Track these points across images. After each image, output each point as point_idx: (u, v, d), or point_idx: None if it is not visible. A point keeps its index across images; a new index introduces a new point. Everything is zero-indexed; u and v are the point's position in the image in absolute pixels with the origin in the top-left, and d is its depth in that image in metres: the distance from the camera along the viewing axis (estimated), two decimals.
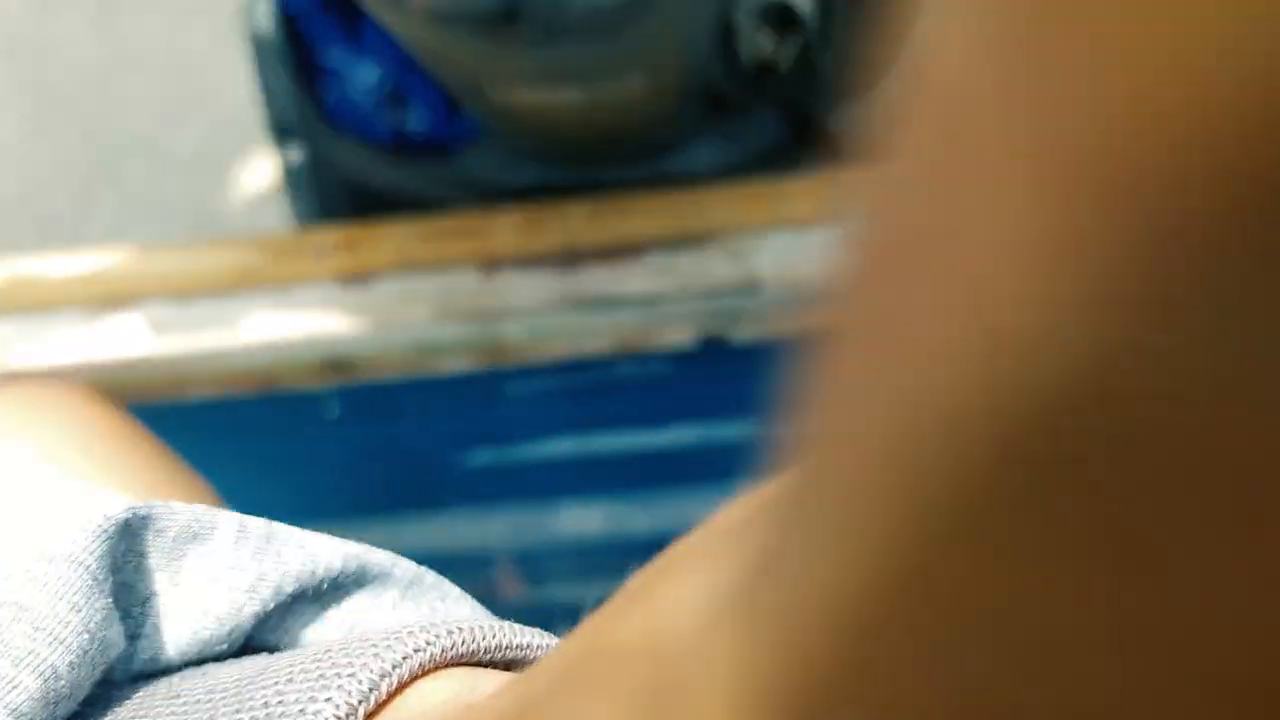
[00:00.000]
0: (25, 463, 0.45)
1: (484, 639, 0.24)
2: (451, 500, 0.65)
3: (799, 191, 0.55)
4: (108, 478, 0.47)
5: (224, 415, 0.59)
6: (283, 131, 0.68)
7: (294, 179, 0.68)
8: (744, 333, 0.55)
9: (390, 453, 0.65)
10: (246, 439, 0.62)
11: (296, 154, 0.68)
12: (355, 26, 0.69)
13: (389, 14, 0.36)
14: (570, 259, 0.54)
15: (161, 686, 0.28)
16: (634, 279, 0.53)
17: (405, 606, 0.30)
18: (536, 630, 0.25)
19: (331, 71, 0.69)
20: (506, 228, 0.56)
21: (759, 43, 0.56)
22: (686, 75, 0.48)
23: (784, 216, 0.54)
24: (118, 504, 0.29)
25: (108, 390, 0.55)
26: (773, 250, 0.53)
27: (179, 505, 0.30)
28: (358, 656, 0.23)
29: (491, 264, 0.55)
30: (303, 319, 0.54)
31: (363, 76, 0.67)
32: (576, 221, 0.56)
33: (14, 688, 0.25)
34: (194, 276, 0.56)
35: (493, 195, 0.62)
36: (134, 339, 0.54)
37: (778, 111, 0.61)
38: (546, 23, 0.34)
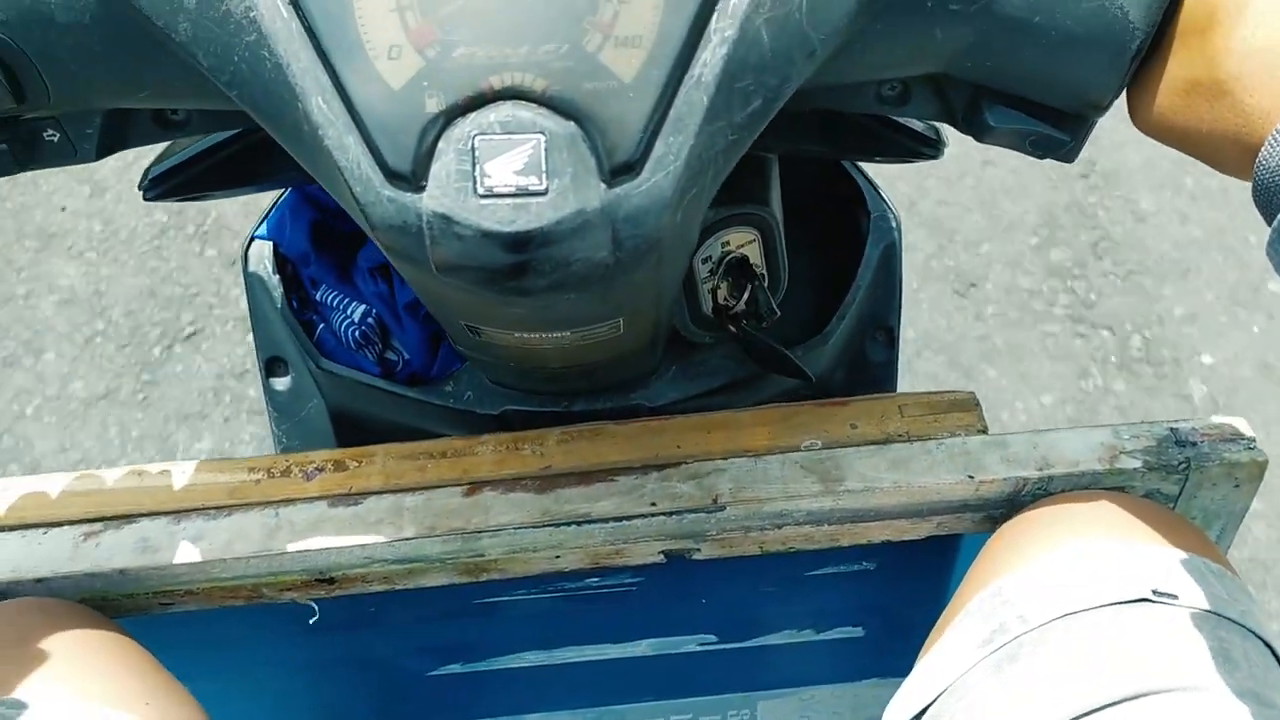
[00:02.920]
0: (17, 681, 0.47)
1: None
2: (422, 711, 0.67)
3: (754, 422, 0.61)
4: (100, 691, 0.49)
5: (209, 626, 0.61)
6: (273, 361, 0.73)
7: (283, 406, 0.73)
8: (706, 551, 0.59)
9: (365, 663, 0.67)
10: (230, 648, 0.64)
11: (286, 383, 0.73)
12: (345, 267, 0.76)
13: (403, 263, 0.42)
14: (546, 481, 0.59)
15: None
16: (605, 500, 0.58)
17: None
18: None
19: (322, 307, 0.75)
20: (487, 452, 0.61)
21: (717, 290, 0.63)
22: (659, 319, 0.54)
23: (741, 445, 0.60)
24: None
25: (102, 603, 0.57)
26: (732, 475, 0.58)
27: None
28: None
29: (474, 485, 0.59)
30: (291, 535, 0.57)
31: (351, 312, 0.73)
32: (552, 447, 0.61)
33: None
34: (187, 495, 0.60)
35: (472, 423, 0.68)
36: (128, 554, 0.57)
37: (732, 349, 0.68)
38: (550, 277, 0.40)
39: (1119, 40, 0.41)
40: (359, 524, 0.58)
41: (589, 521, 0.57)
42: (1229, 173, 0.41)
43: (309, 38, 0.39)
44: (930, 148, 0.59)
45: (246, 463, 0.61)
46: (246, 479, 0.60)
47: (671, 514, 0.57)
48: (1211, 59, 0.39)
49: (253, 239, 0.75)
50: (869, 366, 0.77)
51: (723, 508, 0.57)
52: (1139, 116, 0.44)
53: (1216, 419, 0.59)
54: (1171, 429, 0.58)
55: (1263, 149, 0.38)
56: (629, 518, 0.57)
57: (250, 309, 0.74)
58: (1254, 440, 0.58)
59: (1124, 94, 0.44)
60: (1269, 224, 0.38)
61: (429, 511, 0.58)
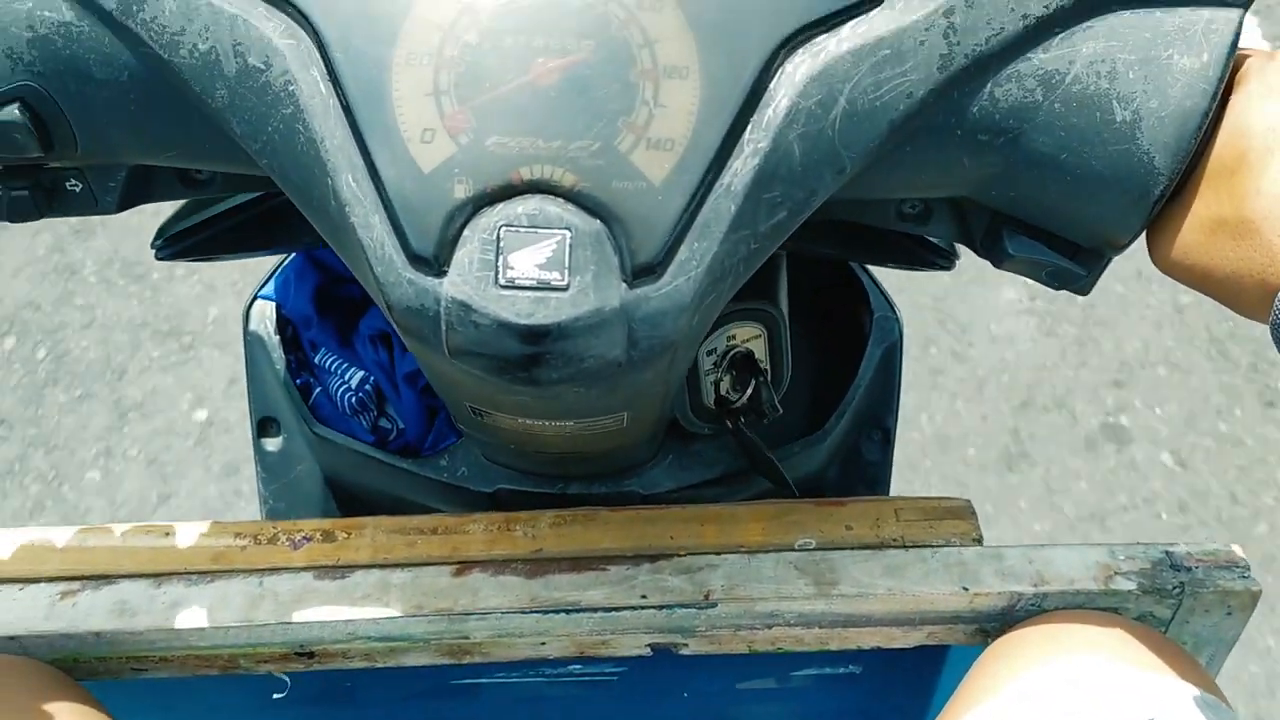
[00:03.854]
0: None
1: None
2: None
3: (749, 517, 0.61)
4: None
5: (180, 692, 0.60)
6: (265, 421, 0.73)
7: (273, 467, 0.72)
8: (694, 647, 0.59)
9: None
10: (200, 716, 0.63)
11: (277, 444, 0.72)
12: (347, 333, 0.76)
13: (417, 344, 0.42)
14: (537, 565, 0.58)
15: None
16: (595, 589, 0.57)
17: None
18: None
19: (320, 371, 0.74)
20: (478, 531, 0.60)
21: (719, 383, 0.63)
22: (662, 413, 0.54)
23: (735, 540, 0.59)
24: None
25: (73, 665, 0.56)
26: (724, 571, 0.58)
27: None
28: None
29: (463, 564, 0.58)
30: (274, 606, 0.56)
31: (349, 378, 0.73)
32: (544, 530, 0.60)
33: None
34: (169, 557, 0.59)
35: (464, 499, 0.67)
36: (104, 617, 0.56)
37: (729, 441, 0.68)
38: (562, 371, 0.40)
39: (1142, 185, 0.41)
40: (344, 598, 0.57)
41: (577, 610, 0.56)
42: (1245, 313, 0.41)
43: (345, 115, 0.39)
44: (943, 259, 0.59)
45: (233, 527, 0.60)
46: (232, 544, 0.59)
47: (661, 607, 0.56)
48: (1240, 199, 0.40)
49: (255, 298, 0.74)
50: (864, 465, 0.77)
51: (714, 604, 0.56)
52: (1159, 255, 0.44)
53: (1211, 545, 0.59)
54: (1167, 552, 0.58)
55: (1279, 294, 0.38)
56: (618, 609, 0.56)
57: (247, 368, 0.74)
58: (1248, 568, 0.57)
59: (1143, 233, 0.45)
60: None
61: (416, 590, 0.57)
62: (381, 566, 0.58)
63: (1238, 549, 0.59)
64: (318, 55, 0.40)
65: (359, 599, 0.56)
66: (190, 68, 0.41)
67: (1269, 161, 0.39)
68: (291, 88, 0.40)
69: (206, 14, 0.40)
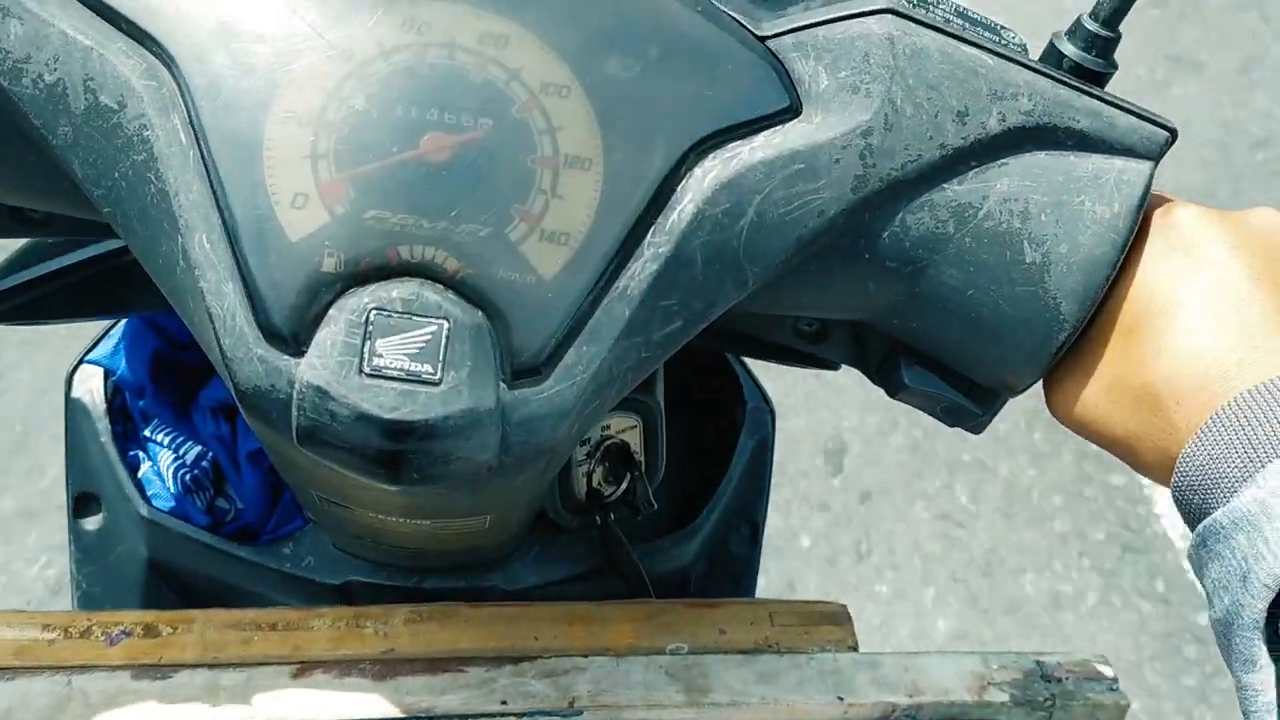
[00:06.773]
0: None
1: None
2: None
3: (618, 618, 0.57)
4: None
5: None
6: (84, 498, 0.66)
7: (90, 548, 0.65)
8: None
9: None
10: None
11: (96, 523, 0.65)
12: (185, 403, 0.70)
13: (263, 428, 0.37)
14: (388, 666, 0.53)
15: None
16: (452, 693, 0.53)
17: None
18: None
19: (150, 444, 0.68)
20: (323, 628, 0.55)
21: (591, 475, 0.60)
22: (528, 515, 0.50)
23: (603, 642, 0.56)
24: None
25: None
26: (591, 676, 0.54)
27: None
28: None
29: (304, 665, 0.53)
30: (83, 709, 0.50)
31: (184, 453, 0.67)
32: (397, 627, 0.55)
33: None
34: None
35: (310, 592, 0.62)
36: None
37: (596, 536, 0.65)
38: (424, 472, 0.36)
39: (1046, 330, 0.40)
40: (166, 701, 0.50)
41: (431, 717, 0.52)
42: (1145, 473, 0.40)
43: (204, 169, 0.35)
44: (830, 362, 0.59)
45: (40, 618, 0.53)
46: (39, 637, 0.52)
47: (523, 715, 0.52)
48: (1140, 362, 0.39)
49: (81, 362, 0.68)
50: (731, 560, 0.75)
51: (579, 712, 0.53)
52: (1056, 405, 0.43)
53: (1080, 655, 0.59)
54: (1038, 662, 0.58)
55: (1180, 460, 0.37)
56: (476, 716, 0.52)
57: (67, 438, 0.67)
58: (1116, 681, 0.57)
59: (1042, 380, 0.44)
60: (1190, 529, 0.37)
61: (250, 693, 0.51)
62: (211, 666, 0.52)
63: (1107, 666, 0.58)
64: (180, 102, 0.36)
65: (182, 702, 0.50)
66: (32, 99, 0.36)
67: (1167, 324, 0.38)
68: (146, 133, 0.36)
69: (58, 43, 0.36)
